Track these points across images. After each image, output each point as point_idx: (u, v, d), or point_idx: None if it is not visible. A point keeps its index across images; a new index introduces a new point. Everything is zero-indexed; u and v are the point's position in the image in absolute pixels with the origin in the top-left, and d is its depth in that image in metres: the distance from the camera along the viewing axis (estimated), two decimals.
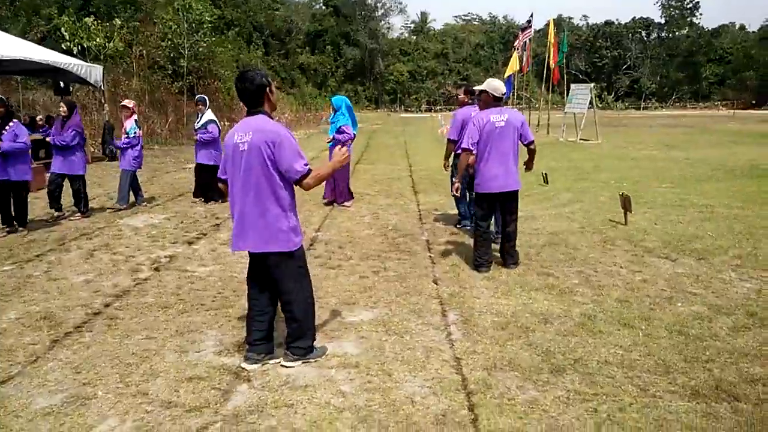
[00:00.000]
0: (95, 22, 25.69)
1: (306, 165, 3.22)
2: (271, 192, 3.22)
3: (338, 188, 8.80)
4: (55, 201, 7.85)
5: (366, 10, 68.12)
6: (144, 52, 27.45)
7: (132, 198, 8.85)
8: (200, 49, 27.64)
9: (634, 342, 3.76)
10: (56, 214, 7.89)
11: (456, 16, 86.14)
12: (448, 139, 6.80)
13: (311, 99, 53.47)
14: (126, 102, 9.00)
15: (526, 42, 25.07)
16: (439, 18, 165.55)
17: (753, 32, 72.99)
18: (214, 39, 32.05)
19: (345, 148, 3.43)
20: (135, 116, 8.81)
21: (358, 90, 66.77)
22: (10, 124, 6.92)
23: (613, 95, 66.62)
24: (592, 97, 18.91)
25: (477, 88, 5.91)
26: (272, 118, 3.33)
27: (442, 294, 4.77)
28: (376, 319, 4.24)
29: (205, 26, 27.11)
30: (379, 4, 69.72)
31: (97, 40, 25.53)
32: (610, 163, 13.90)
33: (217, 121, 9.19)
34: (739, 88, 66.12)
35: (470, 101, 6.84)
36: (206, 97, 9.34)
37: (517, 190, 5.39)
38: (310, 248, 6.32)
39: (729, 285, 4.90)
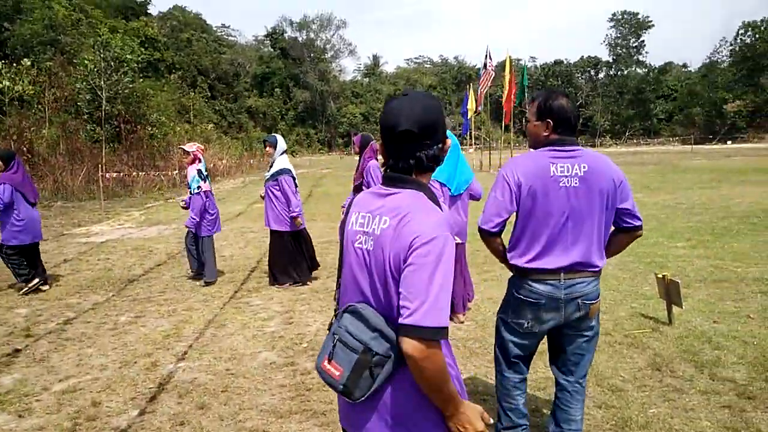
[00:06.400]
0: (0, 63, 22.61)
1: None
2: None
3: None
4: None
5: (315, 52, 66.62)
6: (57, 94, 24.33)
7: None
8: (124, 91, 24.58)
9: None
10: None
11: (407, 59, 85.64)
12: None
13: (258, 143, 50.88)
14: (186, 146, 6.81)
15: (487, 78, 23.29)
16: (391, 61, 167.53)
17: (693, 71, 74.78)
18: (144, 81, 29.12)
19: None
20: (199, 163, 6.62)
21: (309, 133, 64.60)
22: None
23: None
24: None
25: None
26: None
27: None
28: None
29: (126, 66, 24.15)
30: (328, 46, 68.42)
31: (4, 82, 22.42)
32: None
33: (292, 170, 6.36)
34: (686, 124, 67.05)
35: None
36: (278, 137, 6.53)
37: None
38: (144, 410, 3.46)
39: None
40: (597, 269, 2.48)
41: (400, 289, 1.41)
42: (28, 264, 6.37)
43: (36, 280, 6.33)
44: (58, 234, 10.81)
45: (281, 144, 6.43)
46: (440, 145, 1.56)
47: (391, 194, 1.53)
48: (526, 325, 2.54)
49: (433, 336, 1.36)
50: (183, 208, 6.85)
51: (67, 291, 6.43)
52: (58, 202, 17.27)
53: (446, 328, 1.38)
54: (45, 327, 5.12)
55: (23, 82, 22.73)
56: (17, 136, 21.00)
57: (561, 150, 2.43)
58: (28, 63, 23.77)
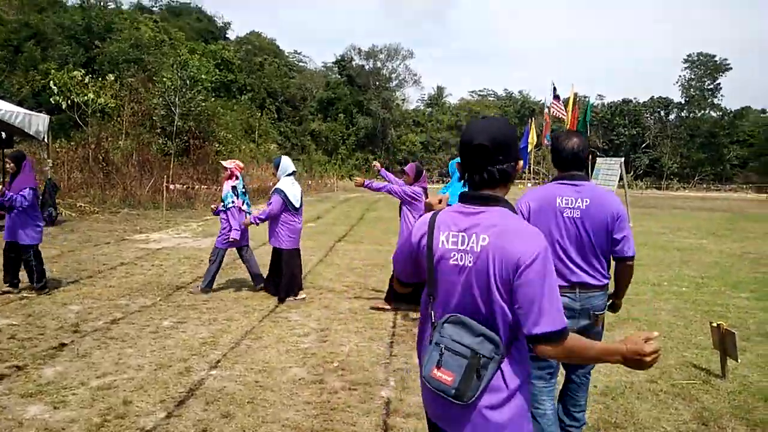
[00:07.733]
0: (87, 77, 24.33)
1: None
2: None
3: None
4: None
5: (380, 81, 67.86)
6: (135, 108, 25.80)
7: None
8: (197, 108, 25.82)
9: None
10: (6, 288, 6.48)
11: (471, 92, 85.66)
12: None
13: (318, 166, 51.96)
14: (226, 162, 7.24)
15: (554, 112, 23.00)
16: (455, 93, 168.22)
17: None
18: (215, 100, 30.49)
19: None
20: (234, 180, 6.93)
21: (369, 158, 65.36)
22: None
23: (632, 174, 64.31)
24: (622, 173, 16.30)
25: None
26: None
27: None
28: None
29: (200, 85, 25.40)
30: (393, 75, 69.54)
31: (89, 95, 24.03)
32: (651, 255, 11.06)
33: (286, 191, 6.40)
34: (763, 172, 63.56)
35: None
36: (282, 159, 6.70)
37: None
38: (171, 413, 3.52)
39: None
40: (604, 285, 2.89)
41: (519, 304, 1.59)
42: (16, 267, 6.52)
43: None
44: (120, 239, 11.34)
45: (283, 165, 6.58)
46: (513, 163, 1.74)
47: (479, 212, 1.70)
48: None
49: (558, 337, 1.57)
50: (212, 211, 7.23)
51: (119, 292, 6.70)
52: (124, 209, 18.13)
53: (566, 327, 1.58)
54: (93, 325, 5.34)
55: (106, 95, 24.27)
56: (95, 145, 22.32)
57: (567, 184, 2.82)
58: (113, 78, 25.37)
